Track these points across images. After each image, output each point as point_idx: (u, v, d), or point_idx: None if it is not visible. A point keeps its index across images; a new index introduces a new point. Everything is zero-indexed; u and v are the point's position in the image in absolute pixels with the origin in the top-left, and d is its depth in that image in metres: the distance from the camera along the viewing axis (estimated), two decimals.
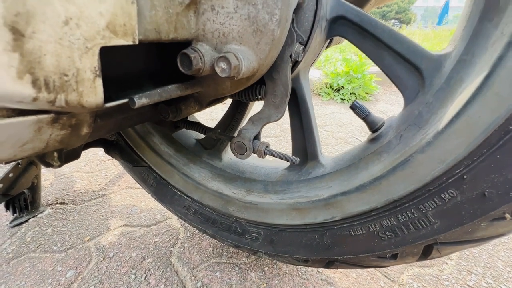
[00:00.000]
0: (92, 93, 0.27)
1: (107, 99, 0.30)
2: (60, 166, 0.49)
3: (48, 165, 0.49)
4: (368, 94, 2.85)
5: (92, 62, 0.25)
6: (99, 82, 0.27)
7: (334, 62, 3.12)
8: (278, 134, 1.85)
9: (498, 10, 0.34)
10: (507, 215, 0.35)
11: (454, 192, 0.39)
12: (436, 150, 0.40)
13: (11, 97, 0.21)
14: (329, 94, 2.81)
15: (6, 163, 0.76)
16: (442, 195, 0.40)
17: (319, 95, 2.89)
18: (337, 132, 1.92)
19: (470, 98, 0.36)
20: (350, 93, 2.74)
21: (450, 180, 0.39)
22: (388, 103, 2.70)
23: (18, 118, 0.29)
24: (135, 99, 0.33)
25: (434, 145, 0.40)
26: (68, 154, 0.50)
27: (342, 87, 2.79)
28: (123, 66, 0.36)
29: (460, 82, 0.39)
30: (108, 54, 0.29)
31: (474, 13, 0.38)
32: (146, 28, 0.29)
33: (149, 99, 0.34)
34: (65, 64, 0.23)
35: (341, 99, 2.72)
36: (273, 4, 0.35)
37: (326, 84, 2.88)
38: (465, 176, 0.37)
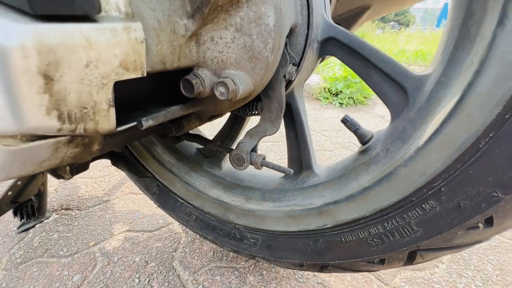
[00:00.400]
0: (107, 120, 0.30)
1: (118, 122, 0.34)
2: (70, 178, 0.53)
3: (59, 177, 0.53)
4: (366, 98, 2.89)
5: (107, 95, 0.29)
6: (112, 111, 0.30)
7: (333, 67, 3.17)
8: (277, 139, 1.88)
9: (470, 40, 0.38)
10: (480, 225, 0.39)
11: (433, 203, 0.42)
12: (417, 164, 0.43)
13: (41, 130, 0.25)
14: (327, 98, 2.85)
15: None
16: (423, 206, 0.43)
17: (318, 99, 2.93)
18: (335, 137, 1.96)
19: (446, 118, 0.40)
20: (348, 98, 2.78)
21: (430, 192, 0.42)
22: (385, 107, 2.73)
23: (40, 141, 0.32)
24: (143, 122, 0.36)
25: (416, 160, 0.44)
26: (78, 167, 0.53)
27: (341, 91, 2.83)
28: (131, 92, 0.40)
29: (439, 102, 0.43)
30: (119, 84, 0.32)
31: (450, 40, 0.42)
32: (153, 61, 0.33)
33: (155, 121, 0.38)
34: (85, 99, 0.27)
35: (340, 103, 2.76)
36: (266, 34, 0.38)
37: (324, 88, 2.92)
38: (443, 189, 0.41)
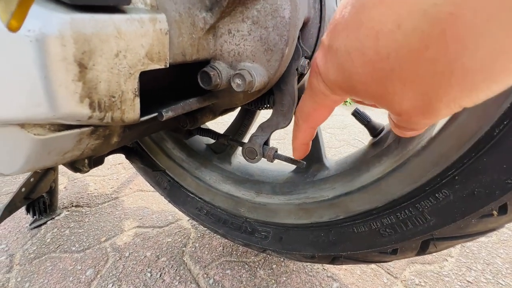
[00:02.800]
0: (132, 110, 0.31)
1: (141, 113, 0.35)
2: (87, 171, 0.54)
3: (77, 170, 0.54)
4: None
5: (133, 84, 0.30)
6: (137, 100, 0.31)
7: None
8: (282, 137, 1.89)
9: None
10: (494, 212, 0.39)
11: (447, 191, 0.43)
12: (430, 154, 0.44)
13: (73, 117, 0.26)
14: None
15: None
16: (436, 195, 0.44)
17: None
18: (340, 134, 1.96)
19: None
20: None
21: (443, 181, 0.43)
22: None
23: (66, 131, 0.33)
24: (163, 113, 0.37)
25: (429, 149, 0.44)
26: (96, 160, 0.54)
27: None
28: (152, 85, 0.41)
29: None
30: (143, 76, 0.33)
31: None
32: (174, 53, 0.34)
33: (174, 112, 0.39)
34: (113, 88, 0.28)
35: (344, 101, 2.76)
36: (282, 27, 0.39)
37: None
38: (456, 177, 0.41)
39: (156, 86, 0.43)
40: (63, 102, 0.25)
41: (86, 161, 0.50)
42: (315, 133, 0.36)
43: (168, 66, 0.33)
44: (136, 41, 0.28)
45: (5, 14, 0.18)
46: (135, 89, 0.30)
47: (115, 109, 0.29)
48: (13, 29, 0.18)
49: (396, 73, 0.18)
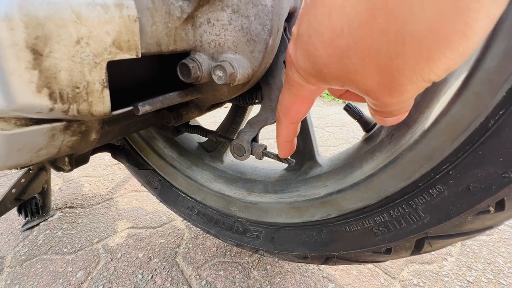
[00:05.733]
0: (101, 102, 0.30)
1: (113, 107, 0.33)
2: (70, 170, 0.52)
3: (59, 169, 0.53)
4: None
5: (100, 75, 0.28)
6: (107, 92, 0.30)
7: None
8: None
9: None
10: (491, 208, 0.37)
11: (441, 187, 0.41)
12: (424, 148, 0.42)
13: (32, 109, 0.24)
14: (330, 95, 2.83)
15: (21, 168, 0.80)
16: (430, 191, 0.42)
17: (321, 96, 2.91)
18: (339, 132, 1.94)
19: (452, 98, 0.38)
20: None
21: (437, 176, 0.41)
22: None
23: (34, 126, 0.32)
24: (139, 107, 0.35)
25: (422, 143, 0.42)
26: (78, 159, 0.53)
27: None
28: (127, 77, 0.39)
29: (445, 82, 0.42)
30: (113, 67, 0.32)
31: None
32: (148, 42, 0.32)
33: (152, 106, 0.37)
34: (77, 78, 0.26)
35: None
36: (264, 16, 0.37)
37: None
38: (451, 172, 0.39)
39: (133, 79, 0.41)
40: (18, 92, 0.23)
41: (67, 159, 0.48)
42: (298, 130, 0.35)
43: (140, 56, 0.31)
44: (100, 28, 0.26)
45: None
46: (103, 80, 0.28)
47: (81, 101, 0.28)
48: None
49: (352, 48, 0.18)
